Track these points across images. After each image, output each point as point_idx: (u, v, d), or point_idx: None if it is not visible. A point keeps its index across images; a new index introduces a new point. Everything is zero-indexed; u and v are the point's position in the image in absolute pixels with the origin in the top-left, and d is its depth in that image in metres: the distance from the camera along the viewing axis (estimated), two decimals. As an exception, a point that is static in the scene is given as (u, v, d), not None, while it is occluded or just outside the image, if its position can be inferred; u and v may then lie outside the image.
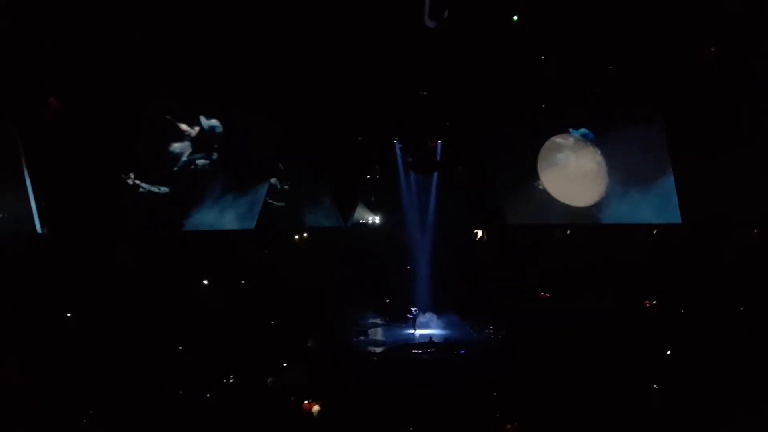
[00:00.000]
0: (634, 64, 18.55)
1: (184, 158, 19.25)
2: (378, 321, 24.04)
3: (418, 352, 20.01)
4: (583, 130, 22.28)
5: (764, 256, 18.50)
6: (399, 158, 24.54)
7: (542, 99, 21.13)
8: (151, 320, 17.02)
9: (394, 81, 18.82)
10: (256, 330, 18.78)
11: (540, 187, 22.88)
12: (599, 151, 22.28)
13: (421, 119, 21.30)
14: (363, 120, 22.02)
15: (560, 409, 12.77)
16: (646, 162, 21.51)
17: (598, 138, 22.27)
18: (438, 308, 24.28)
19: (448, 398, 13.49)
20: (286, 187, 22.45)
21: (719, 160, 18.37)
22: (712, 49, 17.53)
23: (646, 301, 21.19)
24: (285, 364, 16.43)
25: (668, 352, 16.51)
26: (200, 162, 19.59)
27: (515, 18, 17.06)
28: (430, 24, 15.72)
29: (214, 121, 19.69)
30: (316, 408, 13.51)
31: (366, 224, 25.82)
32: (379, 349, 20.48)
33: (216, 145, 19.83)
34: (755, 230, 19.90)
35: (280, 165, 22.09)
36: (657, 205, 21.42)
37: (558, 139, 22.70)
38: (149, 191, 18.59)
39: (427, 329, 22.89)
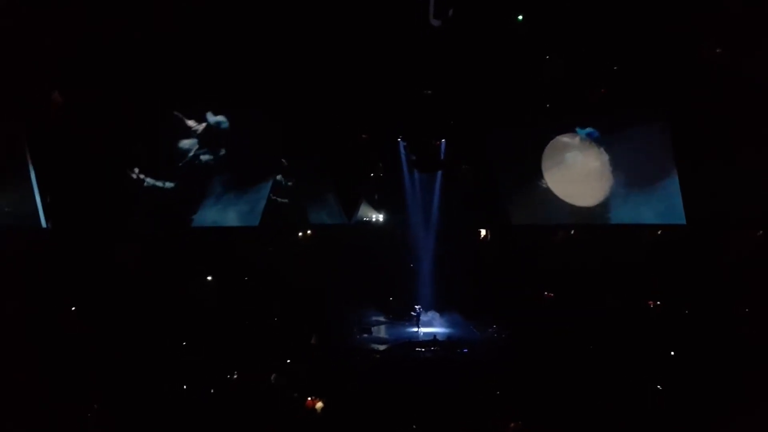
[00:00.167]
0: (638, 65, 18.51)
1: (189, 154, 19.30)
2: (381, 319, 24.08)
3: (421, 351, 20.05)
4: (589, 129, 22.24)
5: (768, 257, 18.49)
6: (403, 157, 24.56)
7: (546, 98, 21.10)
8: (155, 316, 17.08)
9: (399, 80, 18.83)
10: (259, 327, 18.84)
11: (544, 186, 22.86)
12: (604, 151, 22.25)
13: (426, 118, 21.32)
14: (367, 118, 22.04)
15: (563, 408, 12.78)
16: (650, 163, 21.40)
17: (603, 138, 22.24)
18: (441, 307, 24.32)
19: (450, 397, 13.52)
20: (290, 183, 22.49)
21: (724, 161, 18.31)
22: (717, 51, 17.47)
23: (650, 302, 21.16)
24: (288, 362, 16.47)
25: (672, 353, 16.48)
26: (205, 158, 19.65)
27: (520, 17, 17.05)
28: (435, 23, 15.72)
29: (220, 118, 19.73)
30: (319, 405, 13.56)
31: (369, 222, 25.85)
32: (382, 347, 20.53)
33: (222, 142, 19.89)
34: (760, 231, 19.85)
35: (284, 161, 22.12)
36: (661, 206, 21.33)
37: (563, 139, 22.65)
38: (154, 186, 18.65)
39: (430, 327, 22.93)
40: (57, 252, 16.64)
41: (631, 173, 21.82)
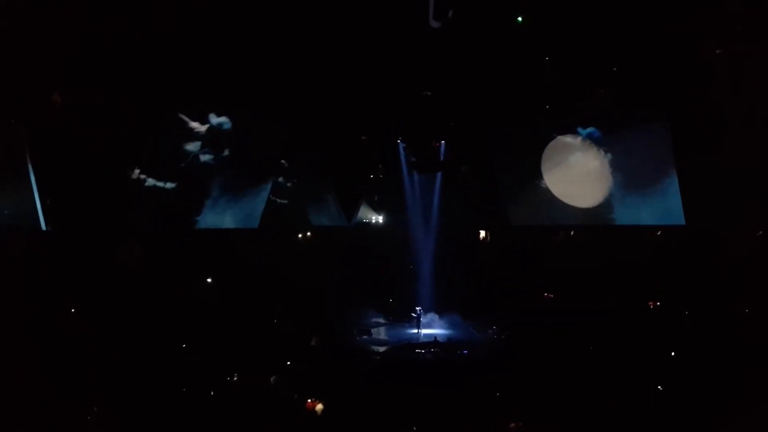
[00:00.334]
0: (638, 65, 18.54)
1: (191, 155, 19.30)
2: (381, 320, 24.02)
3: (421, 352, 20.03)
4: (590, 129, 22.23)
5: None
6: (403, 158, 24.56)
7: (546, 99, 21.11)
8: (155, 317, 17.06)
9: (398, 81, 18.85)
10: (258, 329, 18.81)
11: (543, 186, 22.85)
12: (603, 152, 22.26)
13: (425, 119, 21.32)
14: (367, 119, 22.05)
15: (564, 409, 12.76)
16: (649, 163, 21.47)
17: (604, 138, 22.24)
18: (441, 308, 24.27)
19: (451, 398, 13.49)
20: (289, 184, 22.49)
21: (723, 161, 18.34)
22: (717, 51, 17.49)
23: (650, 302, 21.15)
24: (289, 363, 16.46)
25: (672, 354, 16.48)
26: (206, 158, 19.64)
27: (520, 19, 17.07)
28: (435, 24, 15.73)
29: (222, 119, 19.74)
30: (319, 407, 13.52)
31: (369, 224, 25.83)
32: (382, 348, 20.50)
33: (223, 143, 19.90)
34: (760, 232, 19.86)
35: (284, 162, 22.12)
36: (661, 207, 21.38)
37: (563, 139, 22.66)
38: (155, 186, 18.64)
39: (430, 329, 22.91)
40: (57, 252, 16.63)
41: (630, 174, 21.86)
